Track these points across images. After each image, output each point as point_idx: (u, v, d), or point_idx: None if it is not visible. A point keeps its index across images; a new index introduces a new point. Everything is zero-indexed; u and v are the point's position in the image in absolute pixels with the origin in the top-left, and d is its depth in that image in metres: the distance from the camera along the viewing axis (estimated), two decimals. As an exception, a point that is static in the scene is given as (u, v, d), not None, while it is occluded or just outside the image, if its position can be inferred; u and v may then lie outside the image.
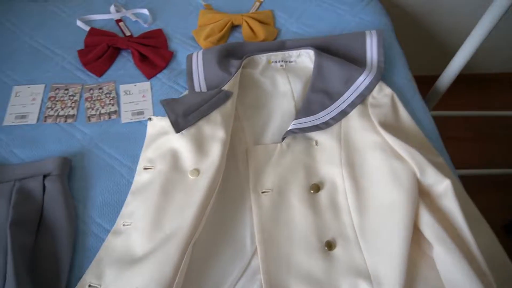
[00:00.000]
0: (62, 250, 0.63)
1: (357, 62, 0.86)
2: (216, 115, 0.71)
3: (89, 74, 0.86)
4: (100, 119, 0.79)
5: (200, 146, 0.68)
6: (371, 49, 0.87)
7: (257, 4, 1.00)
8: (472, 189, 1.44)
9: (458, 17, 1.32)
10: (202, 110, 0.71)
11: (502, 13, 0.84)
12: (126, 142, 0.77)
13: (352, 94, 0.79)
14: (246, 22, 0.92)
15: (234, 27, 0.95)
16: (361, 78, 0.80)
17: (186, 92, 0.81)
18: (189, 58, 0.85)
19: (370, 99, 0.79)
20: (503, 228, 1.28)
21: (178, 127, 0.68)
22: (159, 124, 0.72)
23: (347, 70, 0.80)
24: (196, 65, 0.84)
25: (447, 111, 1.33)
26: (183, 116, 0.69)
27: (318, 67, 0.80)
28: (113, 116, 0.80)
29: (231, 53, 0.85)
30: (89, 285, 0.59)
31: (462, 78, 1.65)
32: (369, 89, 0.79)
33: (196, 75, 0.82)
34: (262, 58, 0.84)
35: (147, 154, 0.71)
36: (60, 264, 0.62)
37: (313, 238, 0.63)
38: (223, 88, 0.74)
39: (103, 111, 0.80)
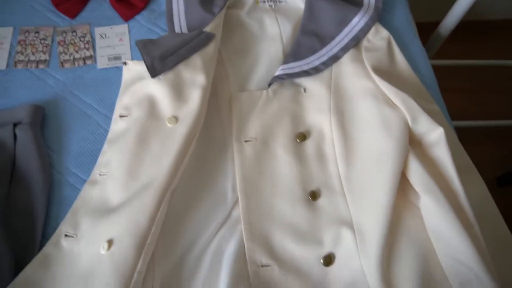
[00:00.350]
0: (37, 201, 0.60)
1: (353, 1, 0.79)
2: (196, 59, 0.66)
3: (61, 15, 0.79)
4: (74, 64, 0.74)
5: (178, 92, 0.63)
6: None
7: None
8: (468, 140, 1.42)
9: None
10: (181, 53, 0.65)
11: None
12: (102, 89, 0.72)
13: (345, 36, 0.73)
14: (232, -43, 0.84)
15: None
16: (356, 19, 0.74)
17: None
18: (169, 0, 0.78)
19: (364, 43, 0.73)
20: (496, 180, 1.27)
21: (154, 72, 0.63)
22: (135, 69, 0.67)
23: (341, 10, 0.74)
24: (176, 5, 0.77)
25: (446, 60, 1.26)
26: (160, 59, 0.64)
27: (309, 7, 0.73)
28: (88, 62, 0.74)
29: (215, -8, 0.78)
30: (65, 235, 0.57)
31: (463, 25, 1.56)
32: (364, 31, 0.73)
33: (176, 15, 0.76)
34: (249, -3, 0.77)
35: (123, 101, 0.66)
36: (35, 215, 0.59)
37: (296, 188, 0.60)
38: (204, 30, 0.68)
39: (77, 56, 0.75)
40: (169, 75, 0.64)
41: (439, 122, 0.60)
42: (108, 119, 0.68)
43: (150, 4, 0.81)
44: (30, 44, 0.75)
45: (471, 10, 1.33)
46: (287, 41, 0.74)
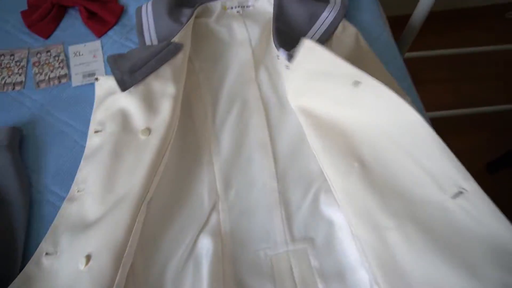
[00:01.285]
0: (17, 221, 0.61)
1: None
2: (165, 70, 0.67)
3: (35, 36, 0.80)
4: (49, 84, 0.75)
5: (150, 103, 0.64)
6: None
7: None
8: (454, 130, 1.42)
9: None
10: (151, 65, 0.66)
11: None
12: (78, 106, 0.73)
13: (316, 32, 0.74)
14: (200, -34, 0.85)
15: (188, -26, 0.88)
16: (325, 13, 0.75)
17: (137, 48, 0.76)
18: (138, 11, 0.79)
19: (334, 39, 0.74)
20: (486, 166, 1.27)
21: (124, 85, 0.64)
22: (107, 84, 0.68)
23: (309, 6, 0.75)
24: (146, 18, 0.78)
25: (421, 52, 1.27)
26: (130, 72, 0.65)
27: (278, 7, 0.74)
28: (63, 80, 0.76)
29: (183, 1, 0.79)
30: (46, 253, 0.58)
31: (441, 15, 1.56)
32: (333, 24, 0.74)
33: (146, 29, 0.77)
34: (217, 5, 0.78)
35: (97, 116, 0.67)
36: (16, 235, 0.60)
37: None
38: (173, 40, 0.69)
39: (52, 75, 0.76)
40: (140, 88, 0.65)
41: None
42: (85, 135, 0.69)
43: (121, 19, 0.82)
44: (6, 67, 0.77)
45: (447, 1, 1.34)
46: (256, 45, 0.75)
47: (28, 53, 0.78)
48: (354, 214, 0.55)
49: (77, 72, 0.76)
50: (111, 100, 0.67)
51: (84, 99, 0.73)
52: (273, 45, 0.75)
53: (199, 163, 0.66)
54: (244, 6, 0.79)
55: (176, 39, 0.69)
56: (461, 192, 0.48)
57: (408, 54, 1.32)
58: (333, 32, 0.74)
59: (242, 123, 0.69)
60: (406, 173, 0.53)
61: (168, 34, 0.74)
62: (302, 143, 0.67)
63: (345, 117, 0.61)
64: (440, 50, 1.32)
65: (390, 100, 0.54)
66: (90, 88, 0.75)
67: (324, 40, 0.73)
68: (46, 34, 0.80)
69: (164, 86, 0.65)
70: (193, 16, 0.74)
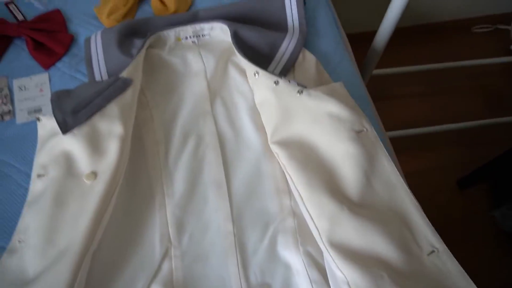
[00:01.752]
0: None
1: (279, 27, 0.78)
2: (112, 108, 0.63)
3: (-23, 70, 0.76)
4: (-9, 122, 0.71)
5: (95, 145, 0.61)
6: (291, 12, 0.78)
7: (168, -31, 0.88)
8: (426, 146, 1.42)
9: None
10: (96, 104, 0.62)
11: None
12: (22, 146, 0.69)
13: (280, 62, 0.72)
14: (154, -8, 0.82)
15: (143, 1, 0.84)
16: (285, 43, 0.73)
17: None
18: (87, 42, 0.75)
19: (296, 68, 0.72)
20: (456, 183, 1.27)
21: (65, 127, 0.60)
22: (50, 124, 0.64)
23: (267, 36, 0.73)
24: (95, 49, 0.74)
25: (389, 68, 1.26)
26: (73, 113, 0.61)
27: (236, 39, 0.71)
28: (7, 117, 0.71)
29: (136, 31, 0.75)
30: None
31: (420, 29, 1.57)
32: (295, 54, 0.72)
33: (95, 61, 0.73)
34: (170, 34, 0.74)
35: (40, 159, 0.63)
36: None
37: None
38: (121, 75, 0.66)
39: (-6, 112, 0.71)
40: (84, 129, 0.61)
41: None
42: (29, 177, 0.65)
43: (71, 49, 0.78)
44: None
45: (418, 15, 1.34)
46: (212, 76, 0.72)
47: (-31, 88, 0.74)
48: (346, 262, 0.51)
49: (22, 108, 0.72)
50: (55, 142, 0.62)
51: (30, 138, 0.69)
52: (231, 75, 0.73)
53: (150, 206, 0.62)
54: (200, 35, 0.76)
55: (125, 73, 0.66)
56: (433, 251, 0.52)
57: (376, 71, 1.31)
58: (295, 61, 0.72)
59: (196, 160, 0.66)
60: (393, 224, 0.54)
61: (118, 67, 0.70)
62: (259, 181, 0.64)
63: (325, 146, 0.60)
64: (408, 67, 1.32)
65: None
66: (35, 125, 0.70)
67: (288, 69, 0.71)
68: (-11, 67, 0.75)
69: (111, 126, 0.62)
70: (144, 47, 0.70)
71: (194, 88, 0.71)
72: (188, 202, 0.62)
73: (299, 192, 0.56)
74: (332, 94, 0.63)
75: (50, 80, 0.75)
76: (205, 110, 0.70)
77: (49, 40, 0.77)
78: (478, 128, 1.31)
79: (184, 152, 0.66)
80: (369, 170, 0.57)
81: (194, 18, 0.78)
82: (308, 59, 0.73)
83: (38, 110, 0.72)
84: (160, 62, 0.74)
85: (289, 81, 0.64)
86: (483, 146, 1.37)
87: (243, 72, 0.73)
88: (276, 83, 0.64)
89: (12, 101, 0.73)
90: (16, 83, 0.74)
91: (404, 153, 1.31)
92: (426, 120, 1.39)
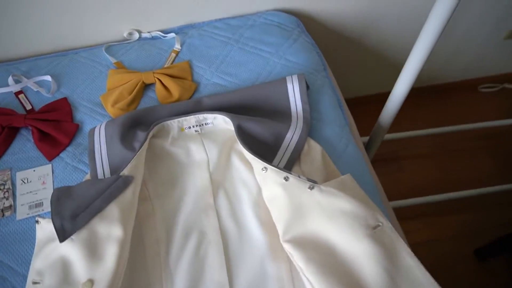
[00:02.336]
0: None
1: (283, 115, 0.78)
2: (112, 209, 0.61)
3: (-18, 162, 0.76)
4: (-8, 218, 0.70)
5: (93, 250, 0.59)
6: (294, 98, 0.78)
7: (173, 55, 0.90)
8: (439, 212, 1.36)
9: (404, 24, 1.23)
10: (96, 206, 0.61)
11: (448, 15, 0.71)
12: (21, 245, 0.67)
13: (285, 152, 0.71)
14: (159, 79, 0.83)
15: (148, 86, 0.86)
16: (289, 134, 0.72)
17: (87, 176, 0.72)
18: (91, 134, 0.76)
19: (301, 158, 0.71)
20: (474, 253, 1.20)
21: (63, 235, 0.58)
22: (49, 228, 0.63)
23: (271, 127, 0.72)
24: (98, 142, 0.74)
25: (397, 133, 1.25)
26: (71, 218, 0.60)
27: (239, 132, 0.71)
28: (7, 213, 0.70)
29: (139, 121, 0.76)
30: None
31: (427, 90, 1.57)
32: (300, 144, 0.71)
33: (98, 154, 0.73)
34: (173, 124, 0.75)
35: (36, 264, 0.61)
36: None
37: None
38: (122, 173, 0.65)
39: (-5, 207, 0.71)
40: (82, 233, 0.59)
41: None
42: (26, 280, 0.63)
43: (75, 138, 0.79)
44: None
45: (425, 77, 1.33)
46: (214, 168, 0.71)
47: (-28, 182, 0.74)
48: None
49: (23, 202, 0.71)
50: (52, 247, 0.61)
51: (29, 236, 0.67)
52: (234, 165, 0.72)
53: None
54: (203, 124, 0.76)
55: (126, 171, 0.65)
56: None
57: (386, 136, 1.30)
58: (301, 149, 0.71)
59: (198, 260, 0.63)
60: None
61: (120, 161, 0.70)
62: (264, 284, 0.61)
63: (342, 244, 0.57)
64: (417, 131, 1.30)
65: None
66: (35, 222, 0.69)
67: (294, 160, 0.70)
68: (-6, 160, 0.76)
69: (110, 229, 0.60)
70: (147, 140, 0.70)
71: (196, 180, 0.70)
72: None
73: None
74: (343, 189, 0.61)
75: (53, 172, 0.75)
76: (207, 203, 0.68)
77: (55, 130, 0.77)
78: (491, 193, 1.27)
79: (186, 250, 0.64)
80: (392, 269, 0.55)
81: (198, 106, 0.78)
82: (314, 149, 0.72)
83: (39, 205, 0.71)
84: (162, 152, 0.73)
85: (298, 176, 0.62)
86: (499, 210, 1.31)
87: (246, 162, 0.72)
88: (286, 179, 0.62)
89: (14, 195, 0.72)
90: (19, 176, 0.74)
91: (416, 220, 1.27)
92: (437, 185, 1.35)
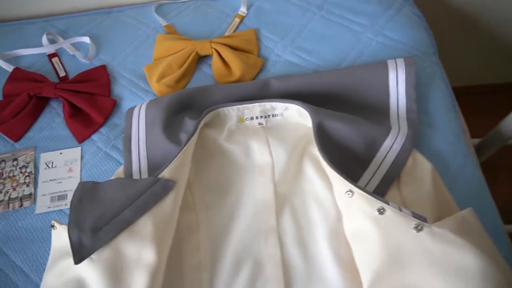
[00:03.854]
0: None
1: (377, 114, 0.58)
2: (145, 224, 0.46)
3: (4, 138, 0.64)
4: (8, 207, 0.58)
5: (117, 277, 0.44)
6: (397, 92, 0.58)
7: (237, 21, 0.72)
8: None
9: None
10: (124, 218, 0.46)
11: None
12: (37, 245, 0.54)
13: (380, 165, 0.52)
14: (216, 51, 0.65)
15: (202, 59, 0.69)
16: (388, 141, 0.52)
17: (120, 170, 0.57)
18: (129, 115, 0.61)
19: (403, 177, 0.52)
20: None
21: (80, 252, 0.44)
22: (65, 237, 0.49)
23: (363, 130, 0.52)
24: (136, 128, 0.59)
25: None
26: (92, 231, 0.45)
27: (319, 134, 0.52)
28: (26, 203, 0.58)
29: (188, 105, 0.59)
30: None
31: None
32: (403, 156, 0.52)
33: (135, 144, 0.58)
34: (231, 113, 0.57)
35: (48, 281, 0.48)
36: None
37: None
38: (161, 175, 0.49)
39: (14, 195, 0.58)
40: (105, 253, 0.45)
41: None
42: (39, 291, 0.51)
43: (111, 117, 0.64)
44: (-39, 179, 0.60)
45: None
46: (281, 176, 0.53)
47: (-9, 160, 0.62)
48: None
49: (44, 192, 0.58)
50: (68, 264, 0.47)
51: (46, 235, 0.55)
52: (307, 176, 0.54)
53: None
54: (269, 116, 0.57)
55: (166, 172, 0.49)
56: None
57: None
58: (401, 168, 0.51)
59: None
60: None
61: (160, 156, 0.54)
62: None
63: None
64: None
65: None
66: (58, 217, 0.56)
67: (392, 179, 0.51)
68: (17, 135, 0.63)
69: (140, 251, 0.45)
70: (197, 132, 0.54)
71: (257, 190, 0.53)
72: None
73: None
74: (464, 232, 0.42)
75: (82, 158, 0.61)
76: (268, 225, 0.51)
77: (89, 105, 0.63)
78: None
79: (235, 284, 0.48)
80: None
81: (264, 90, 0.60)
82: (421, 166, 0.51)
83: (63, 197, 0.58)
84: (215, 148, 0.57)
85: (399, 208, 0.43)
86: None
87: (323, 172, 0.54)
88: (381, 211, 0.43)
89: (35, 182, 0.59)
90: (43, 158, 0.61)
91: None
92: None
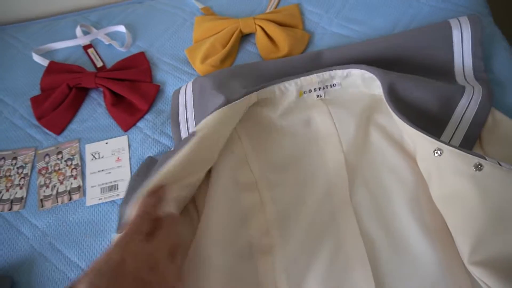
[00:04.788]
0: None
1: (442, 74, 0.54)
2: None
3: (46, 131, 0.61)
4: (57, 201, 0.54)
5: None
6: (461, 50, 0.54)
7: (277, -3, 0.69)
8: None
9: None
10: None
11: None
12: (91, 239, 0.51)
13: (459, 124, 0.48)
14: (261, 27, 0.62)
15: (245, 38, 0.65)
16: (463, 101, 0.49)
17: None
18: (175, 96, 0.58)
19: (484, 136, 0.48)
20: None
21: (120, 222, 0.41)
22: None
23: (437, 88, 0.49)
24: (184, 104, 0.56)
25: None
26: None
27: (390, 86, 0.48)
28: (75, 196, 0.55)
29: (239, 82, 0.56)
30: None
31: None
32: (483, 115, 0.48)
33: (183, 118, 0.55)
34: (290, 87, 0.53)
35: None
36: None
37: None
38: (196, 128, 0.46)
39: (61, 188, 0.55)
40: None
41: None
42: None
43: (155, 103, 0.61)
44: (5, 176, 0.57)
45: None
46: (349, 144, 0.49)
47: (35, 155, 0.59)
48: None
49: (93, 184, 0.55)
50: None
51: (101, 228, 0.52)
52: (376, 146, 0.50)
53: None
54: (327, 86, 0.54)
55: (200, 125, 0.46)
56: None
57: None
58: (481, 127, 0.47)
59: (333, 282, 0.43)
60: None
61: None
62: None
63: None
64: None
65: None
66: (109, 208, 0.53)
67: (474, 140, 0.47)
68: (59, 128, 0.60)
69: None
70: (249, 97, 0.50)
71: (326, 163, 0.49)
72: None
73: None
74: None
75: (129, 146, 0.58)
76: (342, 199, 0.47)
77: (131, 92, 0.60)
78: None
79: (314, 266, 0.44)
80: None
81: (318, 61, 0.57)
82: (504, 123, 0.47)
83: (113, 188, 0.54)
84: (272, 125, 0.53)
85: (499, 163, 0.39)
86: None
87: (394, 142, 0.49)
88: (479, 167, 0.39)
89: (83, 174, 0.56)
90: (88, 149, 0.58)
91: None
92: None
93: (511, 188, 0.38)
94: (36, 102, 0.63)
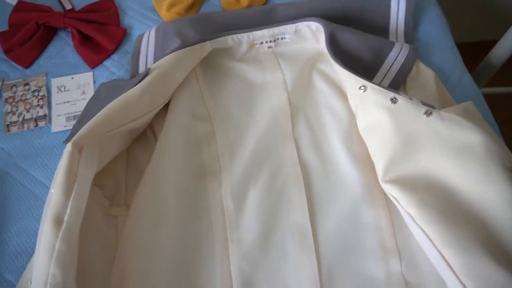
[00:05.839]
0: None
1: (380, 32, 0.62)
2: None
3: (13, 65, 0.64)
4: (23, 127, 0.58)
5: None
6: (397, 12, 0.62)
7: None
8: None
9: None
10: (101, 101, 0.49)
11: None
12: (56, 160, 0.55)
13: (387, 72, 0.56)
14: (224, -19, 0.68)
15: (209, -10, 0.71)
16: (393, 53, 0.56)
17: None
18: (139, 38, 0.62)
19: (408, 83, 0.56)
20: None
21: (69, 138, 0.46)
22: None
23: (371, 42, 0.56)
24: (146, 45, 0.61)
25: (497, 87, 1.05)
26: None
27: (331, 37, 0.55)
28: (41, 123, 0.58)
29: (197, 30, 0.61)
30: None
31: None
32: (408, 65, 0.56)
33: (143, 57, 0.60)
34: (242, 39, 0.59)
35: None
36: None
37: None
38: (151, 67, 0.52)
39: (28, 116, 0.59)
40: None
41: None
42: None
43: (122, 45, 0.65)
44: (-28, 103, 0.60)
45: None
46: (294, 88, 0.56)
47: (2, 85, 0.62)
48: None
49: (59, 113, 0.59)
50: None
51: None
52: (317, 87, 0.57)
53: (208, 255, 0.47)
54: (278, 38, 0.60)
55: (155, 64, 0.52)
56: None
57: (484, 90, 1.11)
58: (407, 74, 0.55)
59: (271, 197, 0.50)
60: None
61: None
62: (357, 234, 0.47)
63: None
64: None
65: None
66: (74, 135, 0.57)
67: (398, 84, 0.54)
68: (27, 62, 0.63)
69: None
70: (205, 43, 0.56)
71: (272, 101, 0.56)
72: (259, 254, 0.46)
73: (444, 257, 0.39)
74: (470, 118, 0.46)
75: (94, 82, 0.62)
76: (284, 131, 0.54)
77: (98, 33, 0.64)
78: None
79: (256, 186, 0.50)
80: None
81: (272, 16, 0.63)
82: (425, 73, 0.56)
83: (78, 117, 0.59)
84: (226, 70, 0.59)
85: (410, 98, 0.47)
86: None
87: (333, 85, 0.57)
88: (394, 100, 0.47)
89: (49, 104, 0.60)
90: (55, 83, 0.62)
91: None
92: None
93: (418, 119, 0.46)
94: (4, 36, 0.65)
